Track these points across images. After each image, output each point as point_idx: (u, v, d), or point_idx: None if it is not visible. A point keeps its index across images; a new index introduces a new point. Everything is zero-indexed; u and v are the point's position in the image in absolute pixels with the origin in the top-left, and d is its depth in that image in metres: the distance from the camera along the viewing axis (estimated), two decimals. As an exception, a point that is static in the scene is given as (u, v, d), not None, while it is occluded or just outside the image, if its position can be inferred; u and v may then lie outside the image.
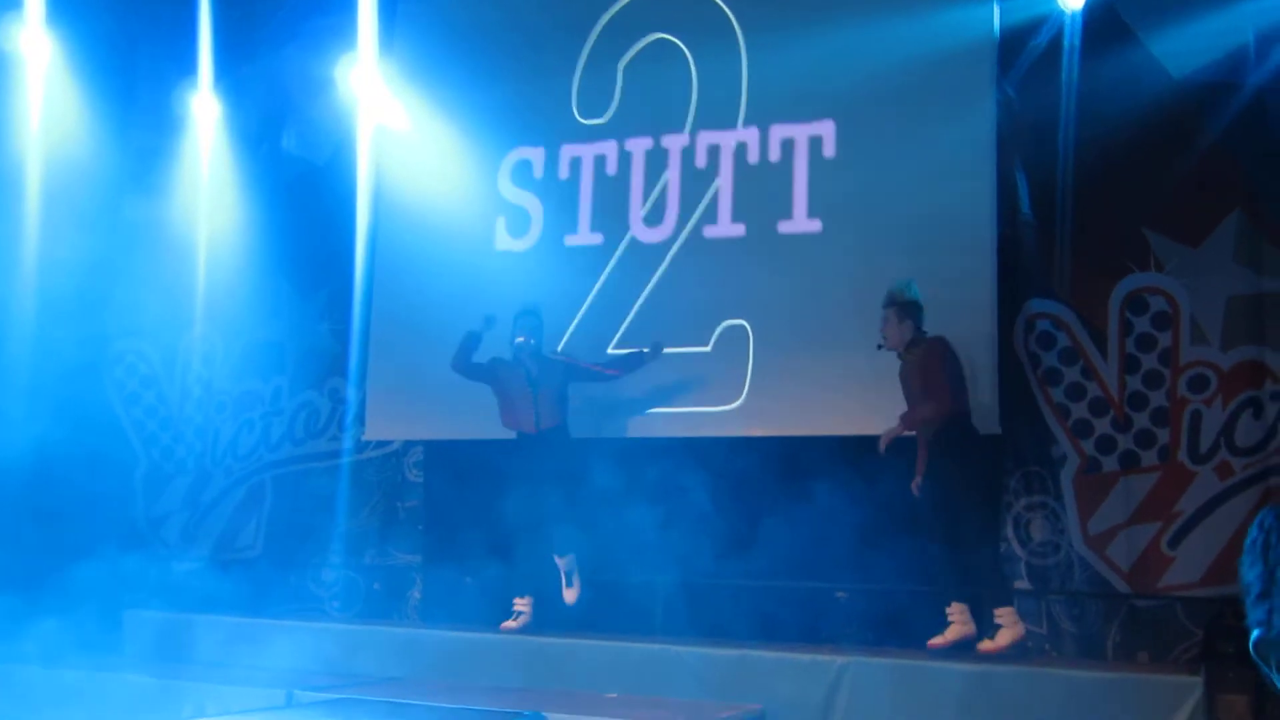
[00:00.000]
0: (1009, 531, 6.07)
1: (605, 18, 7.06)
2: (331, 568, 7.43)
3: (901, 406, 5.62)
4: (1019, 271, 6.21)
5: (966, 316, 6.00)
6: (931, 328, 5.76)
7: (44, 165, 6.80)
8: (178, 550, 7.79)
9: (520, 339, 6.19)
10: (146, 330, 8.01)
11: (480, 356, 6.30)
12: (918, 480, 5.60)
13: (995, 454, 6.06)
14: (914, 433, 5.63)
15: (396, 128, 7.33)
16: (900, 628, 5.85)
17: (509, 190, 7.17)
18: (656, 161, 6.87)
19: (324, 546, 7.44)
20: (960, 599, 5.45)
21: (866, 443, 5.94)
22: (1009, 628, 5.32)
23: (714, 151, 6.75)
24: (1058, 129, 6.05)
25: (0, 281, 6.79)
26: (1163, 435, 5.89)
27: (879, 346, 5.73)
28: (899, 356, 5.74)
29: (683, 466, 6.27)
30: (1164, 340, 5.94)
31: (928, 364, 5.57)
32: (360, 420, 7.41)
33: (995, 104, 6.14)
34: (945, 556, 5.44)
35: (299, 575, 7.47)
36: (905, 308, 5.67)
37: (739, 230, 6.66)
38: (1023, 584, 6.00)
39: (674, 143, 6.84)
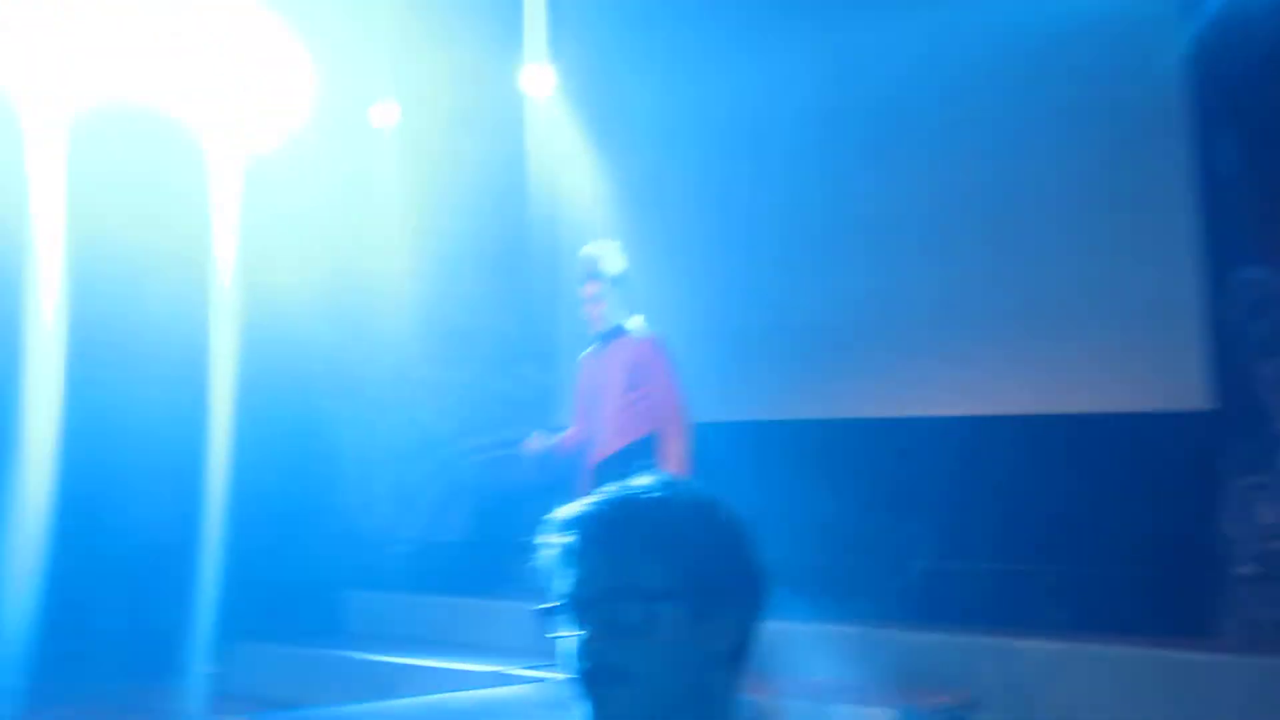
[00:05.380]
0: (1232, 513, 5.81)
1: None
2: (537, 547, 7.61)
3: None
4: (1226, 235, 5.90)
5: (1165, 285, 5.77)
6: (1126, 298, 5.58)
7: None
8: (388, 534, 8.15)
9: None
10: (346, 323, 8.34)
11: None
12: None
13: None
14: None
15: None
16: (1113, 613, 5.72)
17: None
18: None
19: (529, 528, 7.63)
20: None
21: (1061, 421, 5.83)
22: None
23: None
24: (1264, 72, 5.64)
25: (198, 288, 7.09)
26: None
27: (591, 331, 5.01)
28: (601, 348, 4.99)
29: (879, 450, 6.25)
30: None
31: (652, 367, 4.87)
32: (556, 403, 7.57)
33: (1183, 45, 5.78)
34: None
35: (505, 556, 7.72)
36: (618, 282, 4.93)
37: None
38: (1247, 569, 5.73)
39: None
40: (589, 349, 5.15)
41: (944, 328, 6.37)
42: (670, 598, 1.24)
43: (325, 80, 7.13)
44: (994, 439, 6.16)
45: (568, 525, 1.31)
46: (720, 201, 7.13)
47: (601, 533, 1.28)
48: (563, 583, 1.29)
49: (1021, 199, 6.21)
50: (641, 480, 1.33)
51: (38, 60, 6.06)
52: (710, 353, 6.75)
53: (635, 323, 5.03)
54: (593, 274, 4.96)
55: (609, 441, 4.93)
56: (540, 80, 7.40)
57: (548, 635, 1.31)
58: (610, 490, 1.33)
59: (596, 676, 1.24)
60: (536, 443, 5.18)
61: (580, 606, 1.27)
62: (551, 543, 1.30)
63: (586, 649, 1.25)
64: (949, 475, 6.25)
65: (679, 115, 7.19)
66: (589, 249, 5.08)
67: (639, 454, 4.79)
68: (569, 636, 1.27)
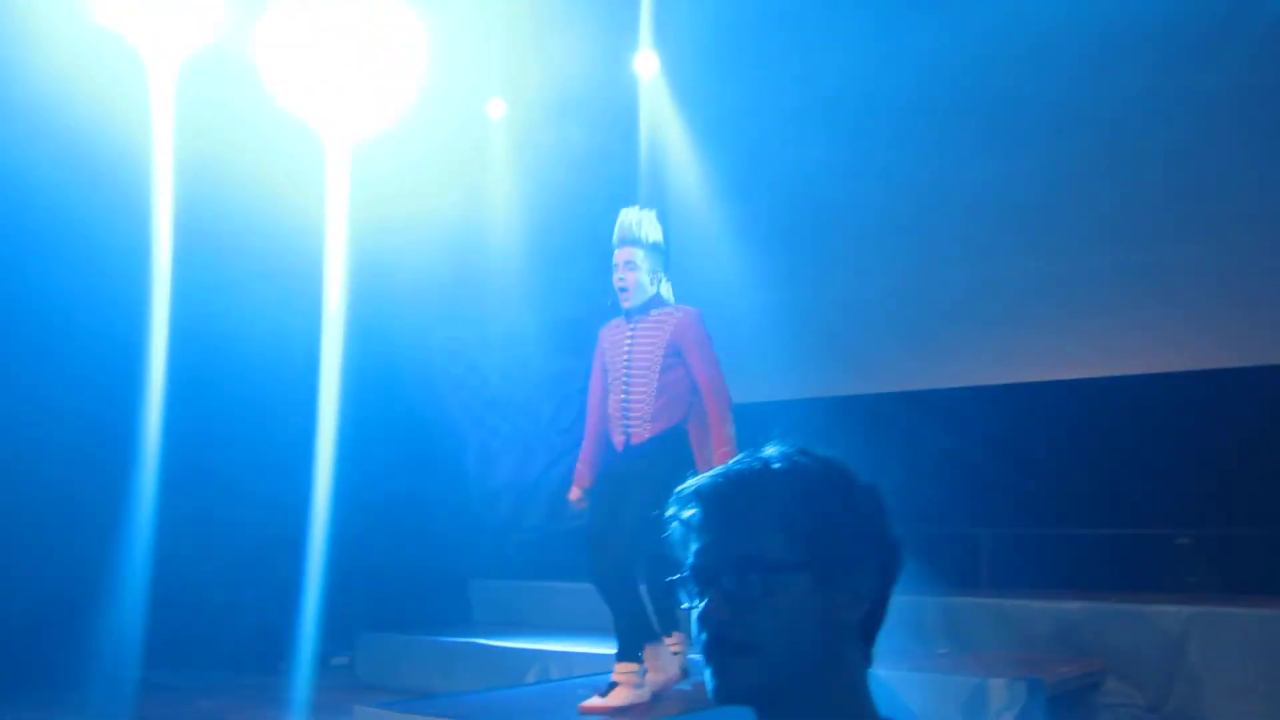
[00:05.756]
0: None
1: None
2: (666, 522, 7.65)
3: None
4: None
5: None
6: (1258, 255, 5.35)
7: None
8: (511, 522, 8.27)
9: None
10: (463, 318, 8.47)
11: None
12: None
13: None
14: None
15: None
16: (1248, 575, 5.52)
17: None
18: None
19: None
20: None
21: (1194, 378, 5.65)
22: (657, 671, 4.30)
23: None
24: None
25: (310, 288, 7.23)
26: None
27: (624, 303, 4.44)
28: (630, 321, 4.48)
29: (1005, 415, 6.14)
30: None
31: (694, 343, 4.37)
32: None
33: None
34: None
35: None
36: (656, 250, 4.44)
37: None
38: None
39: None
40: (611, 321, 4.65)
41: (1066, 290, 6.27)
42: (792, 568, 1.25)
43: (438, 65, 7.20)
44: (1121, 401, 6.01)
45: (689, 498, 1.32)
46: (822, 183, 7.10)
47: (721, 505, 1.29)
48: (686, 555, 1.31)
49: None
50: (769, 450, 1.33)
51: (155, 16, 6.14)
52: (809, 331, 6.75)
53: (669, 294, 4.59)
54: (629, 239, 4.44)
55: (637, 429, 4.42)
56: (650, 66, 7.43)
57: (678, 607, 1.34)
58: (735, 461, 1.34)
59: (719, 646, 1.26)
60: (577, 498, 4.63)
61: (701, 578, 1.29)
62: (676, 516, 1.32)
63: (708, 619, 1.27)
64: (1076, 439, 6.12)
65: (784, 99, 7.18)
66: (627, 213, 4.55)
67: (666, 446, 4.37)
68: (693, 607, 1.29)
